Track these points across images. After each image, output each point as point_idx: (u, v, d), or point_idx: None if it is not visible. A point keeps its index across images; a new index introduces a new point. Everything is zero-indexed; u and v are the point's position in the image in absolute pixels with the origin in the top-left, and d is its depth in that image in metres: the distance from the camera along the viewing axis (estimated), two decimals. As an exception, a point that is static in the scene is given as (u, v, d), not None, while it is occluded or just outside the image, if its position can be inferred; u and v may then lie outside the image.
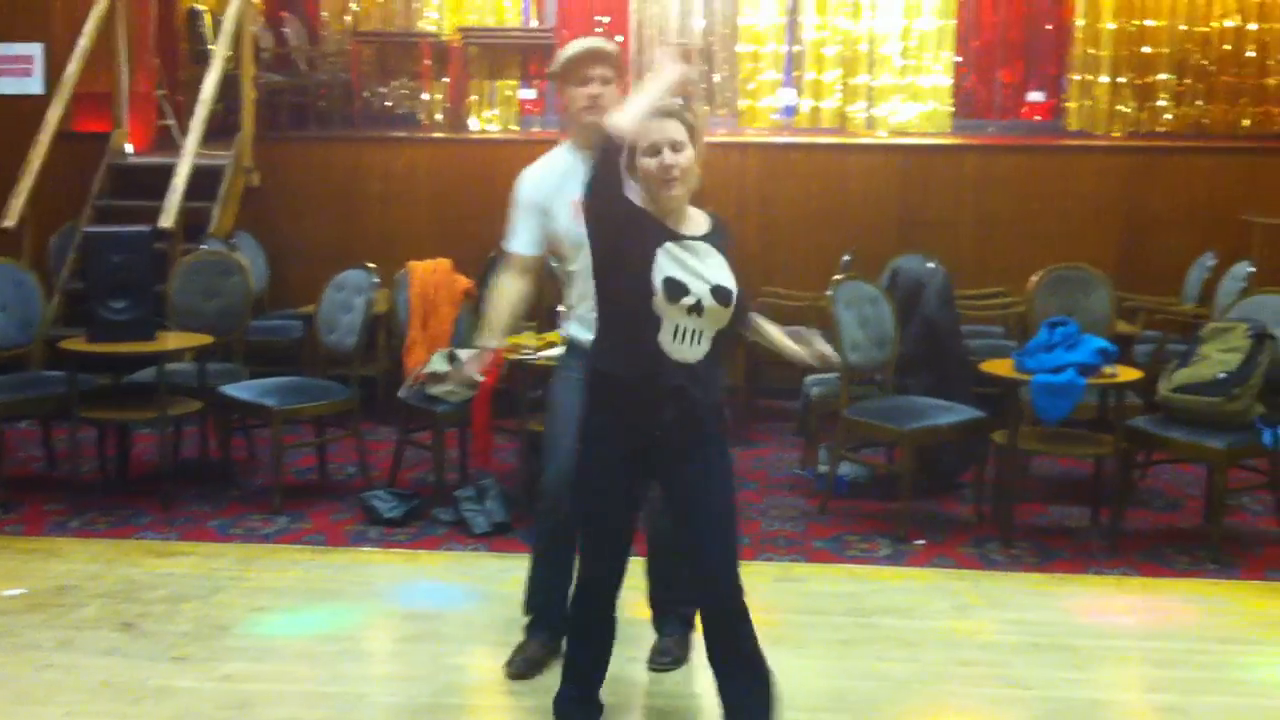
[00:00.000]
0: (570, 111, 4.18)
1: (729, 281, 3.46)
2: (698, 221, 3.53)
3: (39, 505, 6.13)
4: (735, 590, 3.54)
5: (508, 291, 4.24)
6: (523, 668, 4.29)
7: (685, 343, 3.42)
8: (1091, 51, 9.85)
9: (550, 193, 4.14)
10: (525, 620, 4.39)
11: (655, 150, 3.40)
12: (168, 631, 4.64)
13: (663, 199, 3.44)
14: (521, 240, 4.24)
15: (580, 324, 4.12)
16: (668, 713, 4.16)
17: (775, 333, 3.71)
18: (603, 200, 3.42)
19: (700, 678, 4.12)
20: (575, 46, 4.16)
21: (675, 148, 3.41)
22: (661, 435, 3.47)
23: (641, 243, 3.41)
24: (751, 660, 3.55)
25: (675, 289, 3.38)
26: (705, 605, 3.62)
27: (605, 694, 3.82)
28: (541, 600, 4.33)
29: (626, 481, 3.58)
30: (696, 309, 3.41)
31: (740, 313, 3.52)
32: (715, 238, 3.52)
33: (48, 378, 6.51)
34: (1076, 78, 10.05)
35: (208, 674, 4.30)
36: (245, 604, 4.91)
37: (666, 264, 3.40)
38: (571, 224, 4.05)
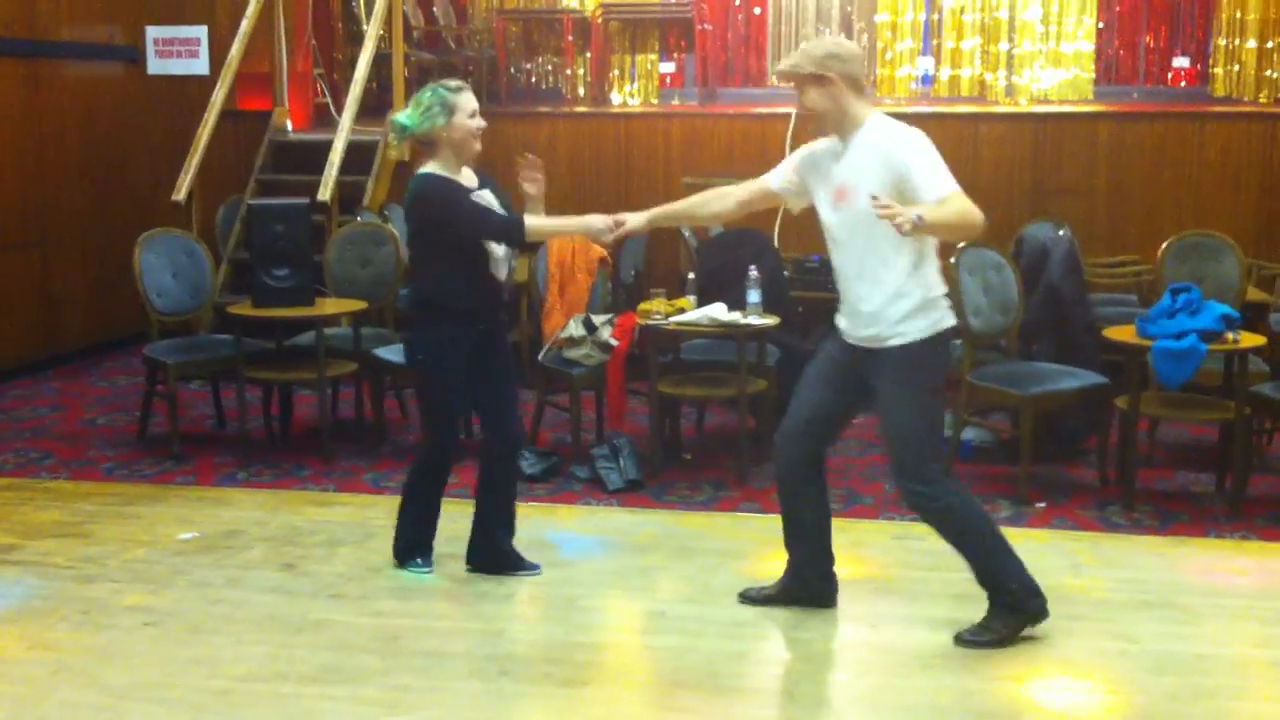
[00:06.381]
0: None
1: None
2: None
3: (210, 459, 6.61)
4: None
5: (707, 191, 4.70)
6: (752, 594, 4.70)
7: None
8: (1238, 15, 9.69)
9: (815, 164, 4.38)
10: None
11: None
12: (325, 572, 5.03)
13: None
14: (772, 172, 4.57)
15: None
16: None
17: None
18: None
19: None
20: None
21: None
22: None
23: None
24: None
25: None
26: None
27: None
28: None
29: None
30: None
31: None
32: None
33: (217, 341, 7.00)
34: (1222, 42, 9.89)
35: (361, 610, 4.68)
36: (396, 549, 5.27)
37: None
38: (830, 211, 4.33)
